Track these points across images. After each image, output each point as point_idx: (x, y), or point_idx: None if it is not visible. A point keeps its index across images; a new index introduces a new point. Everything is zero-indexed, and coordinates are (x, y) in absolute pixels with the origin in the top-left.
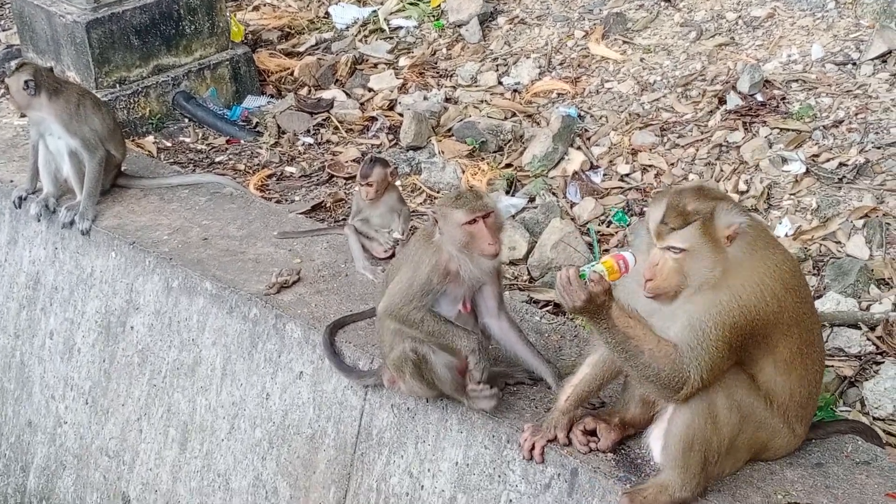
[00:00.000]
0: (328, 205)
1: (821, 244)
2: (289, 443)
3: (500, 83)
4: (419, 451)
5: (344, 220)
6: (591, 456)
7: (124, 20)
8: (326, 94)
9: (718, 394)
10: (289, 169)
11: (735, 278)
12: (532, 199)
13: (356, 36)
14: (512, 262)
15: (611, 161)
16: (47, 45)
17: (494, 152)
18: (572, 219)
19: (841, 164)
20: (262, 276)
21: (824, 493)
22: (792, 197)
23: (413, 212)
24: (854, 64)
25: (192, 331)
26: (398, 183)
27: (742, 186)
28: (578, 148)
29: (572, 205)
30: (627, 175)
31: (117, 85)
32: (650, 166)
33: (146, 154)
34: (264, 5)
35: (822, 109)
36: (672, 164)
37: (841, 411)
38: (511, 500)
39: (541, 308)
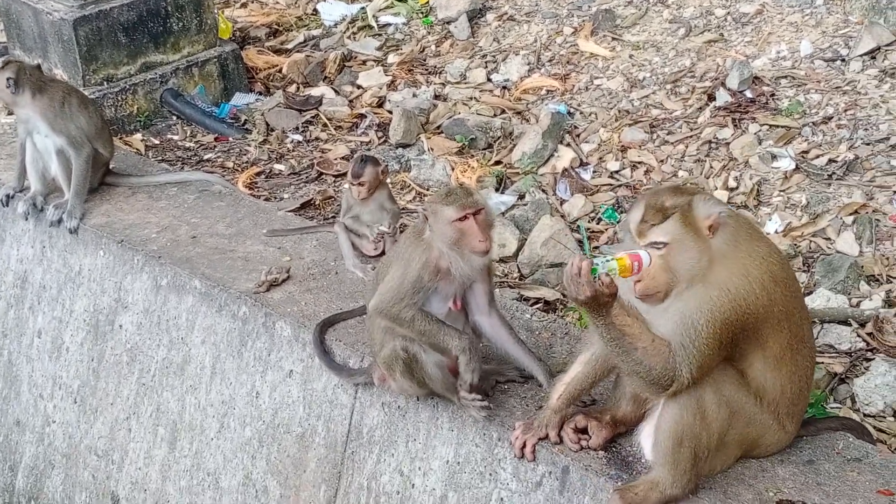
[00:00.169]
0: (317, 202)
1: (810, 241)
2: (279, 441)
3: (489, 80)
4: (410, 449)
5: (333, 217)
6: (582, 454)
7: (112, 17)
8: (315, 92)
9: (707, 389)
10: (277, 166)
11: (722, 271)
12: (522, 197)
13: (345, 33)
14: (502, 260)
15: (600, 158)
16: (34, 43)
17: (484, 149)
18: (562, 216)
19: (830, 161)
20: (252, 275)
21: (816, 491)
22: (781, 193)
23: (403, 209)
24: (843, 60)
25: (182, 329)
26: (388, 181)
27: (731, 183)
28: (568, 145)
29: (562, 202)
30: (617, 172)
31: (105, 82)
32: (640, 163)
33: (134, 152)
34: (252, 2)
35: (811, 106)
36: (661, 160)
37: (831, 408)
38: (502, 499)
39: (531, 305)
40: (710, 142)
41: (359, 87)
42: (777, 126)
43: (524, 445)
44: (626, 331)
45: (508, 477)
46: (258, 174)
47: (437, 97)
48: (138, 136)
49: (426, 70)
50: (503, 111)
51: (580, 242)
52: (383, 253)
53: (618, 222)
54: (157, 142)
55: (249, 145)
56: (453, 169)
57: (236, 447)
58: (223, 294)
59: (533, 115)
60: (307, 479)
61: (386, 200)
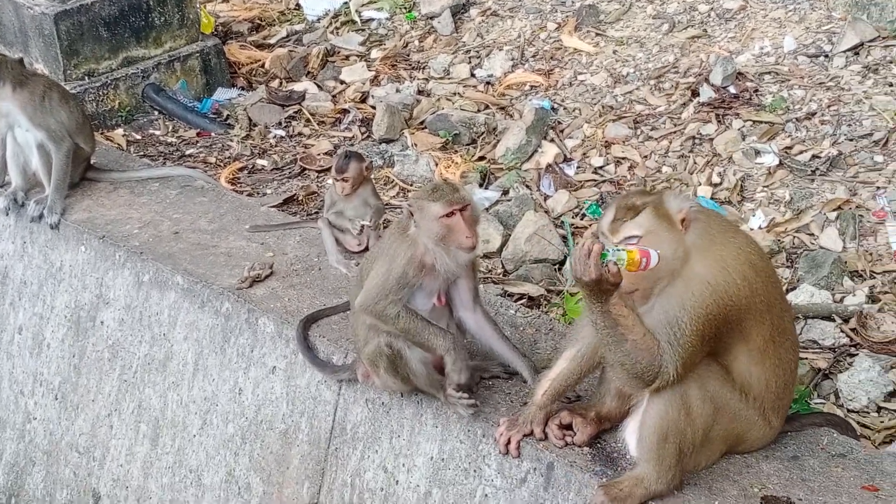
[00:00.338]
0: (300, 198)
1: (794, 236)
2: (262, 438)
3: (472, 75)
4: (394, 445)
5: (316, 213)
6: (567, 450)
7: (93, 12)
8: (298, 87)
9: (692, 385)
10: (260, 162)
11: (700, 265)
12: (506, 192)
13: (327, 28)
14: (486, 256)
15: (584, 153)
16: (15, 37)
17: (468, 145)
18: (546, 212)
19: (814, 157)
20: (235, 270)
21: (800, 486)
22: (765, 189)
23: (386, 205)
24: (826, 56)
25: (164, 325)
26: (372, 176)
27: (715, 179)
28: (552, 140)
29: (546, 197)
30: (601, 168)
31: (86, 77)
32: (624, 159)
33: (116, 147)
34: None
35: (794, 102)
36: (645, 156)
37: (815, 404)
38: (487, 495)
39: (515, 301)
40: (693, 137)
41: (342, 82)
42: (761, 122)
43: (509, 442)
44: (621, 321)
45: (493, 473)
46: (241, 169)
47: (420, 92)
48: (120, 131)
49: (409, 65)
50: (487, 106)
51: (564, 238)
52: (367, 249)
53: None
54: (138, 137)
55: (232, 140)
56: (437, 164)
57: (219, 444)
58: (206, 290)
59: (517, 110)
60: (290, 476)
61: (370, 196)
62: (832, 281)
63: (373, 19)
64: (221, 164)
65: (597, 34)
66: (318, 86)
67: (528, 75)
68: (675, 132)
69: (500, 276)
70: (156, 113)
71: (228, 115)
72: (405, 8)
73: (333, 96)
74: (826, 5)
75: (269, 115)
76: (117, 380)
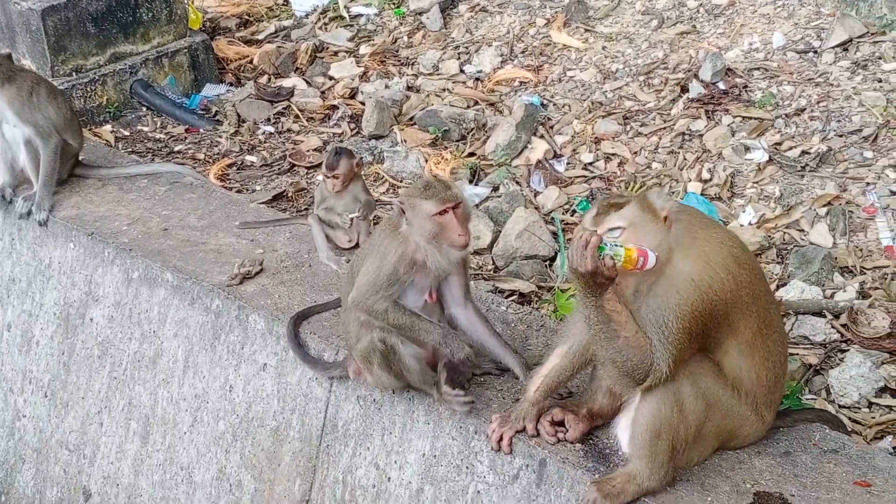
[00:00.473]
0: (290, 194)
1: (784, 232)
2: (253, 435)
3: (462, 71)
4: (385, 442)
5: (306, 209)
6: (559, 446)
7: (80, 7)
8: (286, 83)
9: (684, 382)
10: (249, 158)
11: (683, 263)
12: (496, 188)
13: (316, 23)
14: (476, 252)
15: (574, 150)
16: (2, 33)
17: (457, 141)
18: (536, 208)
19: (803, 153)
20: (224, 267)
21: (793, 482)
22: (755, 185)
23: (376, 201)
24: (815, 52)
25: (153, 322)
26: (362, 173)
27: (705, 175)
28: (541, 136)
29: (536, 194)
30: (591, 164)
31: (74, 73)
32: (613, 155)
33: (104, 143)
34: None
35: (784, 97)
36: (635, 152)
37: (807, 399)
38: (479, 492)
39: (506, 298)
40: (683, 134)
41: (331, 78)
42: (750, 118)
43: (501, 438)
44: (614, 317)
45: (485, 470)
46: (230, 166)
47: (409, 88)
48: (108, 127)
49: (398, 61)
50: (476, 103)
51: (555, 234)
52: (357, 245)
53: None
54: (126, 133)
55: (220, 137)
56: (427, 161)
57: (210, 441)
58: (195, 287)
59: (506, 106)
60: (282, 473)
61: (360, 192)
62: (823, 277)
63: (361, 15)
64: (210, 161)
65: (586, 30)
66: (307, 82)
67: (517, 71)
68: (664, 128)
69: (491, 272)
70: (144, 109)
71: (217, 111)
72: (394, 3)
73: (322, 92)
74: (815, 1)
75: (258, 111)
76: (107, 377)
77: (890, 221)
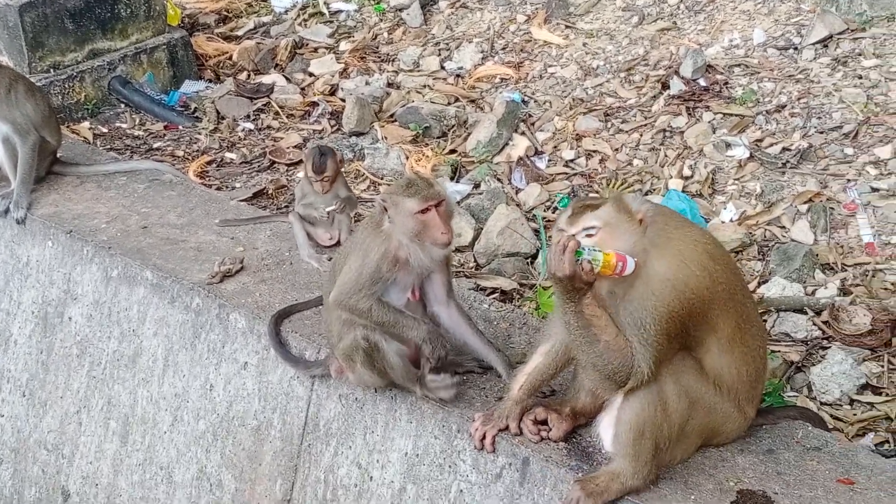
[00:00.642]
0: (270, 191)
1: (765, 229)
2: (233, 434)
3: (442, 68)
4: (368, 441)
5: (286, 206)
6: (542, 445)
7: (58, 3)
8: (266, 79)
9: (667, 381)
10: (229, 155)
11: (659, 263)
12: (477, 186)
13: (295, 20)
14: (458, 249)
15: (555, 146)
16: None
17: (438, 138)
18: (518, 205)
19: (784, 149)
20: (205, 265)
21: (776, 480)
22: (736, 182)
23: (358, 198)
24: (796, 49)
25: (133, 321)
26: (343, 170)
27: (686, 171)
28: (523, 133)
29: (518, 191)
30: (572, 161)
31: (52, 70)
32: (595, 152)
33: (82, 140)
34: None
35: (764, 94)
36: (616, 149)
37: (789, 397)
38: (462, 490)
39: (488, 295)
40: (664, 130)
41: (310, 74)
42: (731, 114)
43: (484, 437)
44: (594, 322)
45: (468, 469)
46: (209, 163)
47: (390, 85)
48: (86, 124)
49: (379, 58)
50: (457, 99)
51: (536, 232)
52: (338, 243)
53: None
54: (105, 130)
55: (200, 134)
56: (408, 158)
57: (190, 440)
58: (175, 285)
59: (487, 103)
60: (263, 473)
61: (341, 188)
62: (804, 274)
63: (341, 11)
64: (189, 158)
65: (566, 27)
66: (287, 78)
67: (498, 68)
68: (645, 125)
69: (473, 269)
70: (122, 106)
71: (196, 107)
72: (374, 0)
73: (302, 89)
74: None
75: (238, 107)
76: (86, 376)
77: (871, 218)
